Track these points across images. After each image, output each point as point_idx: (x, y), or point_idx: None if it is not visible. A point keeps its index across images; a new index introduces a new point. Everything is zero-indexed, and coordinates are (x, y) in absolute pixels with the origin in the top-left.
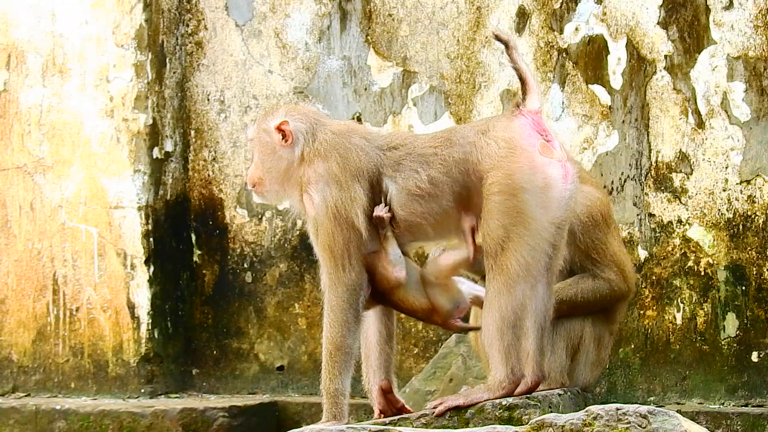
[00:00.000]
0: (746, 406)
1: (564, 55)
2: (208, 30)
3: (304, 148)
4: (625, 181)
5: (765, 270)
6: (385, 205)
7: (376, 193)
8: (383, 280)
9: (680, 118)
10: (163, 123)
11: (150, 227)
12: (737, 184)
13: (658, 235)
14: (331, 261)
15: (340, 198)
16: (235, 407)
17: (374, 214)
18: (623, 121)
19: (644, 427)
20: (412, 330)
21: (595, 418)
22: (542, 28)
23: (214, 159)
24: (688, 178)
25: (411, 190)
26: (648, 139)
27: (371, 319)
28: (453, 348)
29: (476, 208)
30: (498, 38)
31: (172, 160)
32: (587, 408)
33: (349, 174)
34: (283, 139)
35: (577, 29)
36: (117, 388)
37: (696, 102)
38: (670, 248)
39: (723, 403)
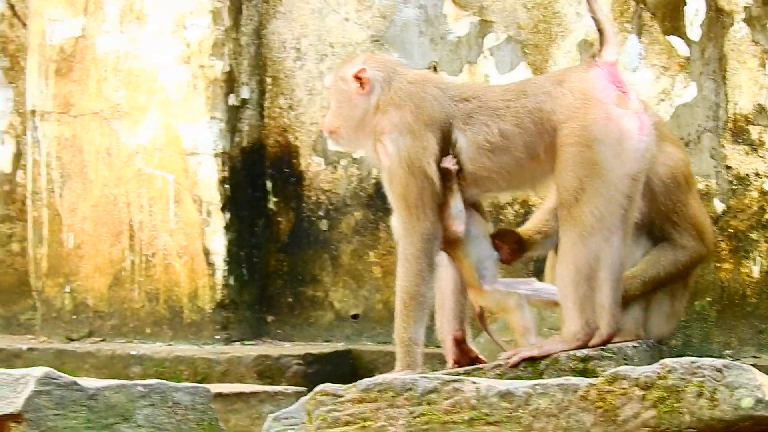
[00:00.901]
0: None
1: (641, 6)
2: None
3: (380, 96)
4: (702, 133)
5: None
6: (453, 157)
7: (446, 144)
8: (445, 232)
9: (758, 71)
10: (240, 70)
11: (226, 174)
12: None
13: (735, 187)
14: (405, 210)
15: (414, 147)
16: (309, 355)
17: (441, 165)
18: (700, 73)
19: (719, 381)
20: None
21: (669, 371)
22: None
23: (290, 107)
24: (766, 130)
25: (481, 144)
26: (725, 91)
27: (446, 268)
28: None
29: (549, 159)
30: None
31: (248, 108)
32: (662, 361)
33: (423, 123)
34: (360, 87)
35: None
36: (192, 335)
37: None
38: (747, 201)
39: None
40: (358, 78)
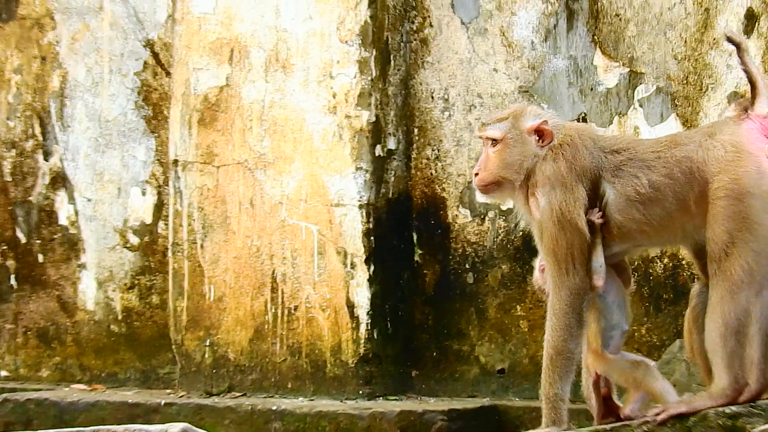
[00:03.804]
0: None
1: None
2: (433, 27)
3: (550, 148)
4: None
5: None
6: (600, 210)
7: (593, 197)
8: None
9: None
10: (386, 120)
11: (371, 225)
12: None
13: None
14: (554, 264)
15: (565, 200)
16: (454, 410)
17: (587, 217)
18: None
19: None
20: (635, 334)
21: None
22: None
23: (437, 157)
24: None
25: (630, 195)
26: None
27: None
28: (677, 354)
29: (699, 211)
30: (730, 40)
31: (394, 158)
32: None
33: (575, 174)
34: (539, 140)
35: None
36: (334, 389)
37: None
38: None
39: None
40: (539, 130)
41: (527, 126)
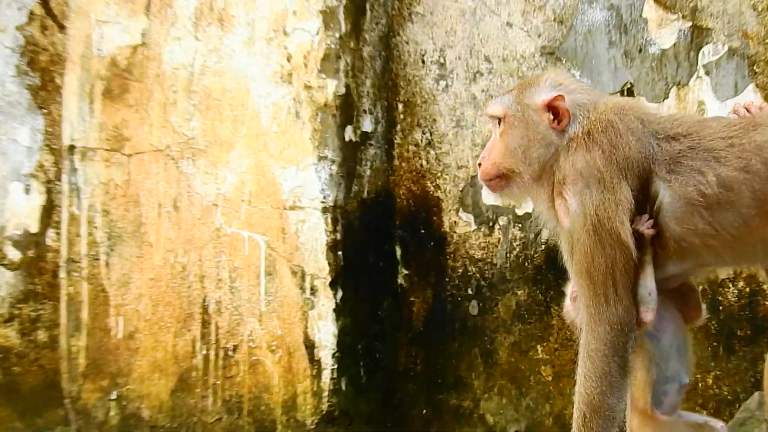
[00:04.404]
0: None
1: None
2: None
3: (577, 131)
4: None
5: None
6: (650, 218)
7: (642, 199)
8: None
9: None
10: (360, 93)
11: (339, 236)
12: None
13: None
14: (590, 290)
15: (603, 203)
16: None
17: (633, 227)
18: None
19: None
20: (699, 384)
21: None
22: None
23: (430, 143)
24: None
25: (692, 198)
26: None
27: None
28: (755, 412)
29: None
30: None
31: (371, 144)
32: None
33: (617, 169)
34: (554, 120)
35: None
36: None
37: None
38: None
39: None
40: (552, 107)
41: (536, 101)
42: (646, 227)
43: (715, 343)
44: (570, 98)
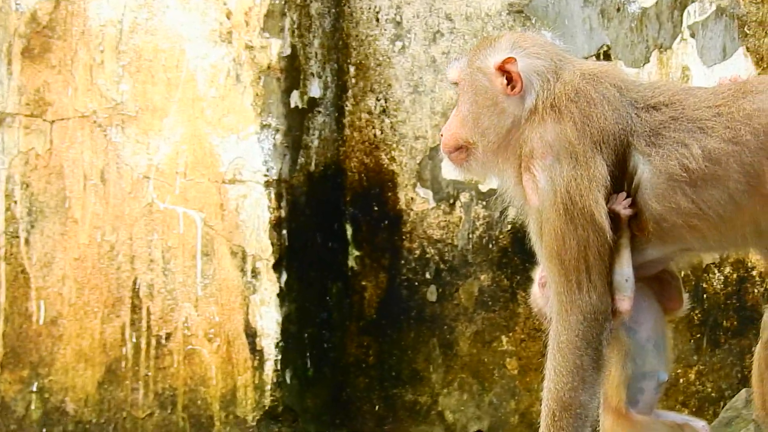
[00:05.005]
0: None
1: None
2: None
3: (537, 100)
4: None
5: None
6: (628, 196)
7: (619, 175)
8: None
9: None
10: (308, 54)
11: (283, 213)
12: None
13: None
14: (560, 276)
15: (575, 179)
16: None
17: (608, 206)
18: None
19: None
20: (680, 381)
21: None
22: None
23: (384, 111)
24: None
25: (674, 173)
26: None
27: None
28: (741, 411)
29: None
30: None
31: (319, 111)
32: None
33: (590, 141)
34: (508, 85)
35: None
36: None
37: None
38: None
39: None
40: (505, 71)
41: (488, 63)
42: (622, 206)
43: (698, 335)
44: (526, 62)
